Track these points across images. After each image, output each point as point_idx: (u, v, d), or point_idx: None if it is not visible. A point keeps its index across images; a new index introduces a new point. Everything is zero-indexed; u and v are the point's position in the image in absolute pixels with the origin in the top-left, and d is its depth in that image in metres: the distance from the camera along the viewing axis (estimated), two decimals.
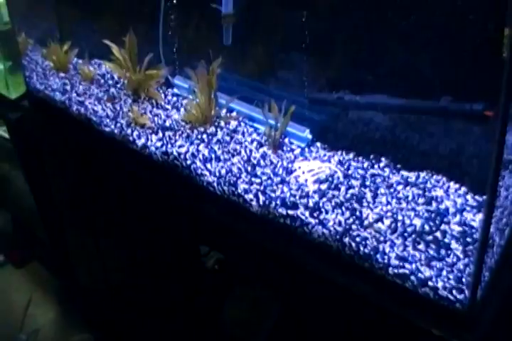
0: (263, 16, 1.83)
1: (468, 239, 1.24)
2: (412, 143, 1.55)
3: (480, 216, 1.27)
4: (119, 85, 2.21)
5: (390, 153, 1.57)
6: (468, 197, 1.39)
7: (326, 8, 1.61)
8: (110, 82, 2.26)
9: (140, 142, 1.80)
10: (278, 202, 1.43)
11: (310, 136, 1.70)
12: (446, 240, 1.25)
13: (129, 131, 1.85)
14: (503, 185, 1.33)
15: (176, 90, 2.10)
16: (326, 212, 1.38)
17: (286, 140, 1.71)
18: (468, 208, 1.35)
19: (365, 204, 1.40)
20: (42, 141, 2.56)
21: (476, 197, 1.37)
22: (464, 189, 1.42)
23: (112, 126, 1.91)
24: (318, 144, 1.69)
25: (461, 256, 1.21)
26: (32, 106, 2.49)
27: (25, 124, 2.58)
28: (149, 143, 1.77)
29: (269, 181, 1.52)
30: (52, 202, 2.78)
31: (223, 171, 1.58)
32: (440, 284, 1.16)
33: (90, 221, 2.46)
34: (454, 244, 1.24)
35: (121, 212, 2.13)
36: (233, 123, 1.83)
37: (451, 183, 1.45)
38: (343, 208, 1.38)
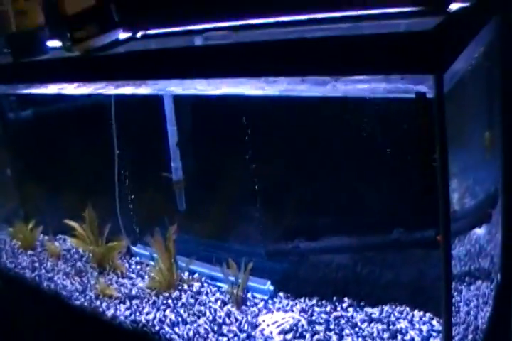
0: (211, 177, 1.94)
1: None
2: (372, 278, 1.60)
3: None
4: (84, 258, 2.26)
5: (353, 291, 1.62)
6: (434, 322, 1.43)
7: (271, 162, 1.72)
8: (76, 256, 2.31)
9: (109, 313, 1.82)
10: None
11: (272, 288, 1.74)
12: None
13: (98, 303, 1.88)
14: (462, 299, 1.37)
15: (137, 258, 2.17)
16: None
17: (249, 294, 1.75)
18: (434, 334, 1.38)
19: None
20: (17, 317, 2.54)
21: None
22: (428, 315, 1.46)
23: (82, 299, 1.93)
24: (281, 294, 1.73)
25: None
26: (4, 286, 2.50)
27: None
28: (118, 312, 1.80)
29: (235, 338, 1.54)
30: None
31: (191, 333, 1.59)
32: None
33: None
34: None
35: None
36: (196, 285, 1.87)
37: (415, 311, 1.49)
38: None
